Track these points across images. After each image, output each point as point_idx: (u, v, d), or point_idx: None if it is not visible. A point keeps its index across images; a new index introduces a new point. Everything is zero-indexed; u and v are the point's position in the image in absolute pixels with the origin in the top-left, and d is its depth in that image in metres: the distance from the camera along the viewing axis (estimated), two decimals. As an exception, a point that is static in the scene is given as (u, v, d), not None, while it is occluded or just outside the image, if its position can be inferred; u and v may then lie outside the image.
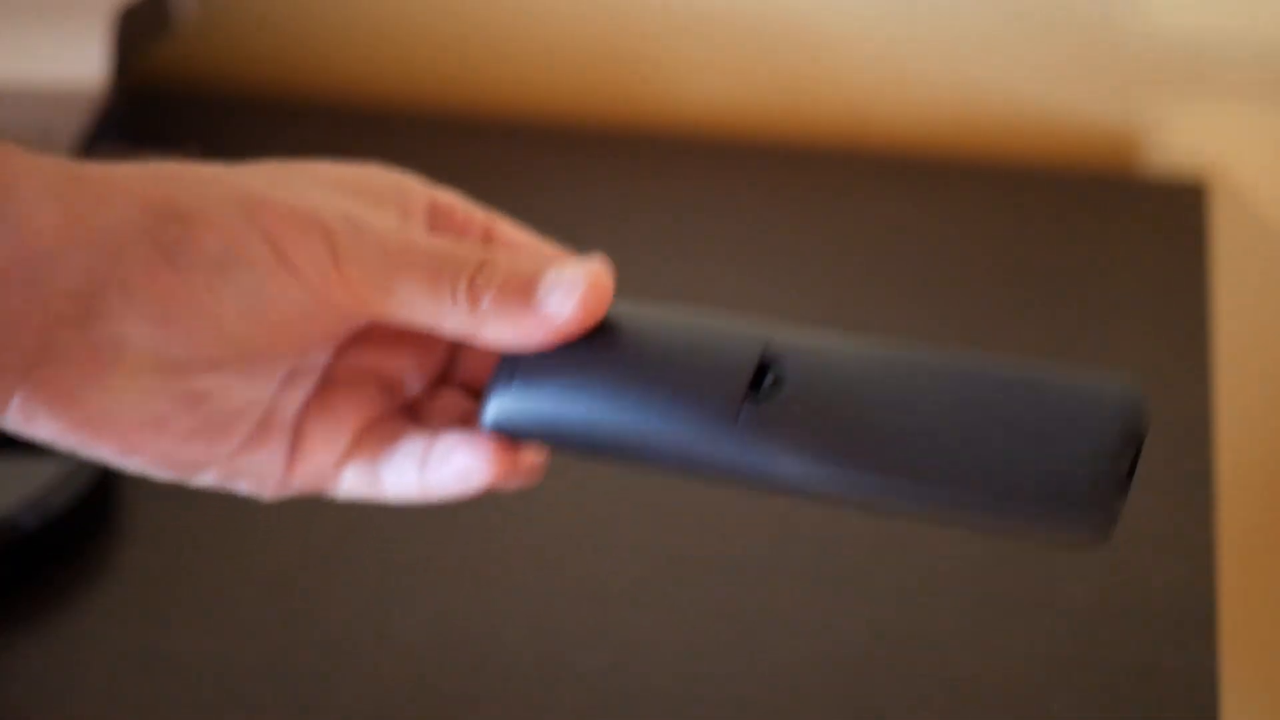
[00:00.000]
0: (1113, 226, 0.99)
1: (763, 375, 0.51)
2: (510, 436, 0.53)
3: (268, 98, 1.09)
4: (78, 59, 0.93)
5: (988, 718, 0.69)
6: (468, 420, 0.56)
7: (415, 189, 0.56)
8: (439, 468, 0.54)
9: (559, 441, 0.53)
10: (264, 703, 0.69)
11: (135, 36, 0.96)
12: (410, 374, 0.57)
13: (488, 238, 0.57)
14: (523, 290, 0.52)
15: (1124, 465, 0.47)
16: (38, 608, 0.73)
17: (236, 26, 1.11)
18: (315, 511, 0.77)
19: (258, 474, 0.54)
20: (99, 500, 0.77)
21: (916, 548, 0.76)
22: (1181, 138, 1.04)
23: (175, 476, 0.53)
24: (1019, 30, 1.03)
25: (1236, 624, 0.89)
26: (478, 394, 0.57)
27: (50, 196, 0.49)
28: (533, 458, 0.55)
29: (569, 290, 0.52)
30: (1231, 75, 1.02)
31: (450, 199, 0.56)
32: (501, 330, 0.52)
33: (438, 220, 0.56)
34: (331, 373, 0.55)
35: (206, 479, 0.54)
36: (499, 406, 0.53)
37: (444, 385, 0.58)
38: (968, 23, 1.03)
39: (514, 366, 0.53)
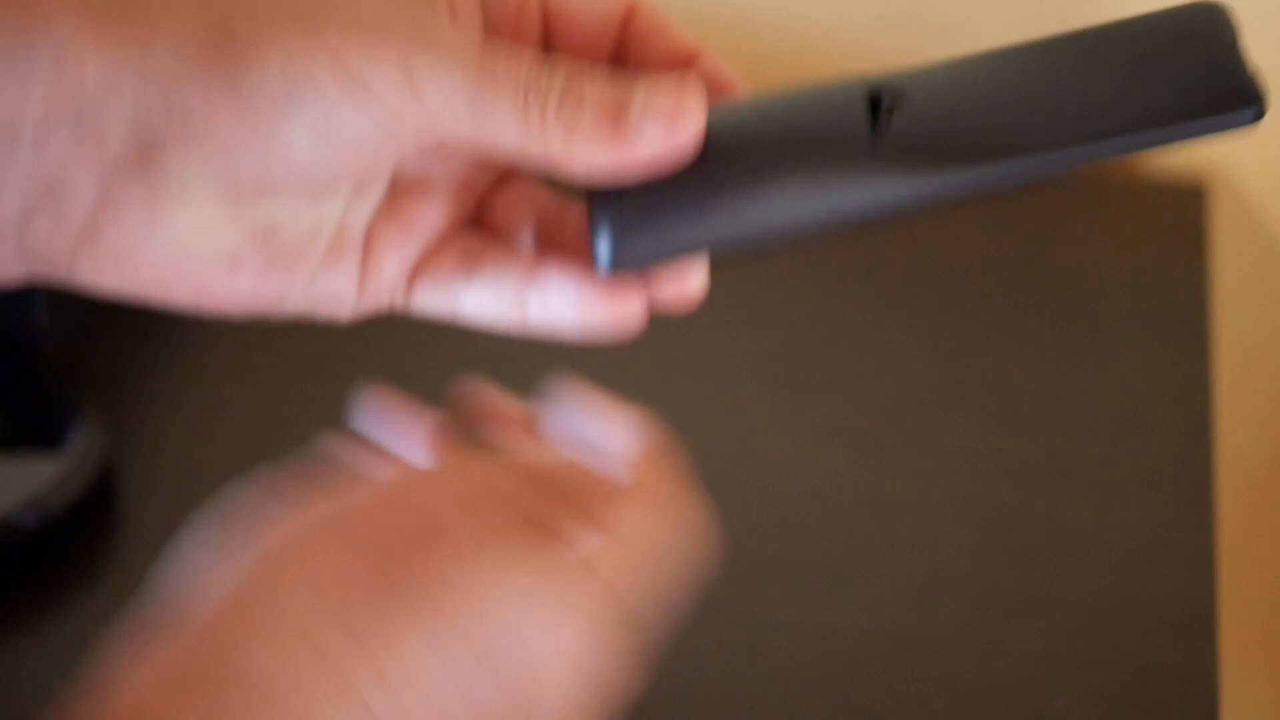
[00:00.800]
0: (1113, 226, 0.99)
1: (877, 109, 0.48)
2: (630, 271, 0.50)
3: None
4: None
5: (988, 717, 0.69)
6: (546, 216, 0.53)
7: None
8: (545, 308, 0.51)
9: (691, 257, 0.49)
10: (264, 703, 0.69)
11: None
12: (475, 171, 0.53)
13: (546, 20, 0.52)
14: (616, 115, 0.48)
15: (1240, 48, 0.50)
16: (38, 608, 0.73)
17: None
18: (315, 511, 0.76)
19: (334, 297, 0.51)
20: (99, 500, 0.77)
21: (916, 548, 0.76)
22: (1181, 138, 1.04)
23: (253, 313, 0.50)
24: (1019, 30, 1.03)
25: (1236, 624, 0.89)
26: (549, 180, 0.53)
27: (91, 33, 0.46)
28: (641, 301, 0.51)
29: (666, 120, 0.48)
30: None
31: None
32: (595, 159, 0.48)
33: (489, 20, 0.51)
34: (395, 179, 0.51)
35: (285, 310, 0.51)
36: (613, 244, 0.49)
37: (511, 177, 0.53)
38: (967, 23, 1.03)
39: (615, 195, 0.49)
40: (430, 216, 0.52)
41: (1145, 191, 1.02)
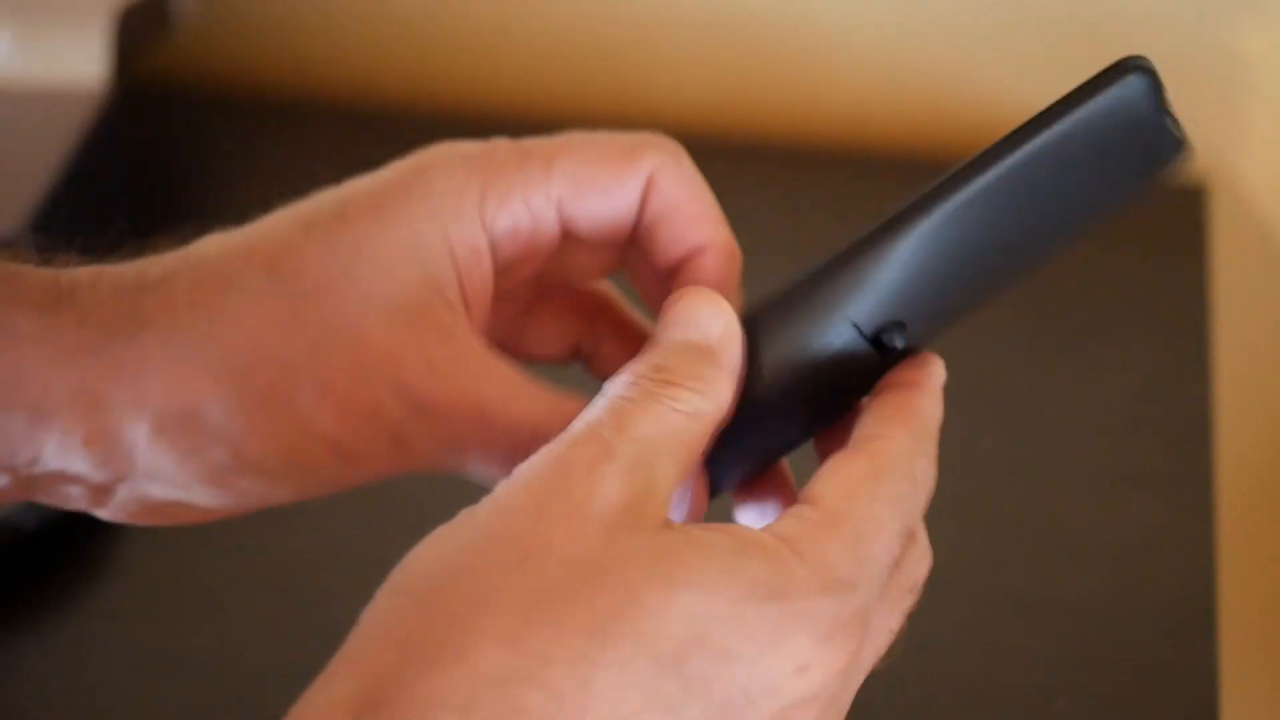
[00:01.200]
0: (1113, 227, 0.99)
1: (881, 345, 0.51)
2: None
3: (268, 98, 1.09)
4: (78, 59, 0.93)
5: (988, 717, 0.69)
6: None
7: (468, 258, 0.53)
8: None
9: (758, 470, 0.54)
10: (265, 702, 0.69)
11: (135, 36, 0.96)
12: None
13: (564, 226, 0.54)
14: None
15: (1162, 101, 0.52)
16: (38, 608, 0.73)
17: (237, 27, 1.11)
18: (317, 511, 0.76)
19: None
20: (99, 500, 0.77)
21: (916, 548, 0.76)
22: (1181, 138, 1.04)
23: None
24: (1019, 30, 1.03)
25: (1236, 624, 0.89)
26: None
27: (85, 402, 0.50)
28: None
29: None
30: (1232, 75, 1.02)
31: (511, 225, 0.53)
32: None
33: (508, 259, 0.54)
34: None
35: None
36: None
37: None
38: (967, 22, 1.03)
39: None
40: None
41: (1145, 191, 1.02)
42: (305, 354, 0.50)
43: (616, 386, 0.48)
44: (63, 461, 0.50)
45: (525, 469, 0.46)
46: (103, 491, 0.51)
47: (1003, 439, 0.84)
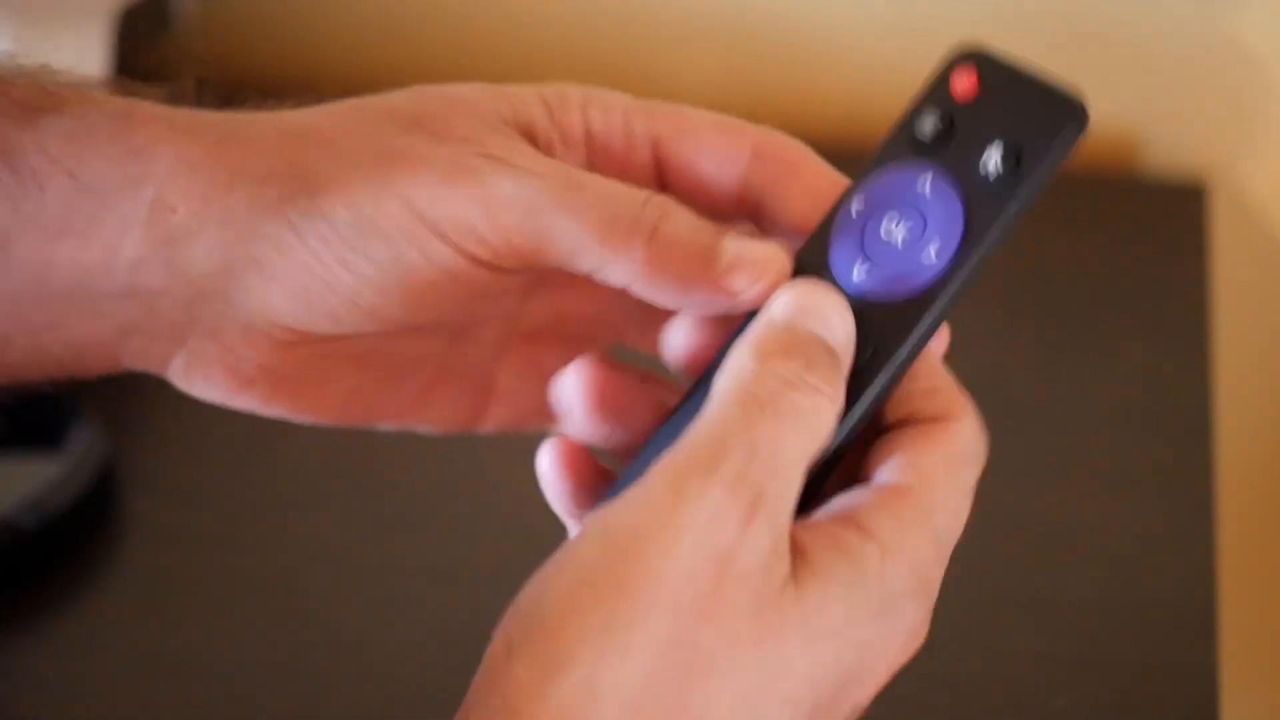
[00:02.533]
0: (1113, 226, 0.99)
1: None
2: None
3: (268, 98, 1.09)
4: (78, 59, 0.93)
5: (988, 717, 0.69)
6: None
7: (560, 108, 0.50)
8: None
9: None
10: (265, 703, 0.69)
11: (135, 36, 0.96)
12: (610, 312, 0.53)
13: (660, 166, 0.51)
14: (704, 256, 0.47)
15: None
16: (38, 608, 0.73)
17: (237, 27, 1.11)
18: (317, 511, 0.77)
19: (441, 419, 0.52)
20: (99, 500, 0.77)
21: (916, 548, 0.76)
22: (1181, 138, 1.04)
23: (354, 425, 0.52)
24: (1018, 30, 1.03)
25: (1236, 624, 0.89)
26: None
27: (185, 169, 0.48)
28: None
29: (756, 272, 0.47)
30: (1231, 75, 1.02)
31: (605, 123, 0.51)
32: (671, 293, 0.47)
33: (594, 154, 0.51)
34: (522, 320, 0.52)
35: (385, 426, 0.52)
36: None
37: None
38: (966, 22, 1.03)
39: None
40: (563, 359, 0.51)
41: (1145, 191, 1.02)
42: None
43: (747, 374, 0.45)
44: (170, 253, 0.48)
45: (639, 498, 0.44)
46: (193, 305, 0.49)
47: (1003, 439, 0.84)
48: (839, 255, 0.49)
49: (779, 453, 0.44)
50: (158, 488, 0.78)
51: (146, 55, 1.01)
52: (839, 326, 0.47)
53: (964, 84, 0.50)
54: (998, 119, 0.49)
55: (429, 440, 0.83)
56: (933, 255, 0.49)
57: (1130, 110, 1.04)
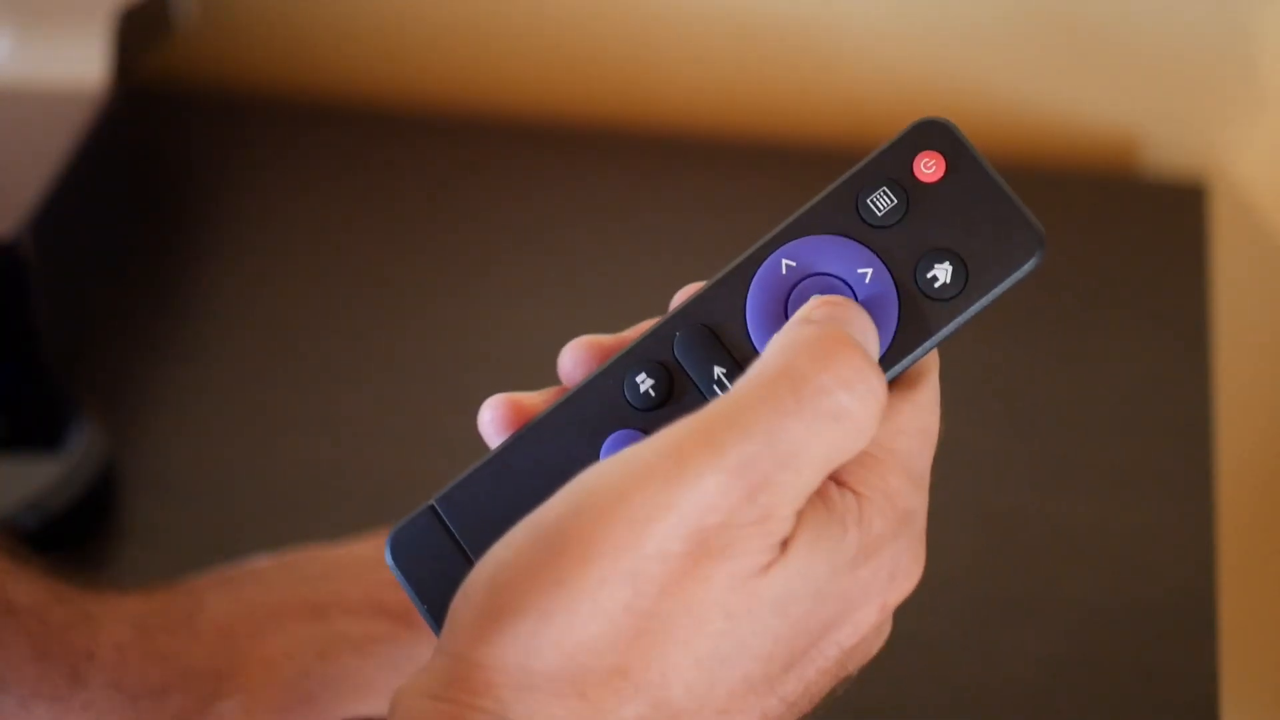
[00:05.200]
0: (1113, 226, 0.99)
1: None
2: None
3: (268, 99, 1.09)
4: (78, 59, 0.93)
5: (988, 717, 0.69)
6: None
7: None
8: None
9: None
10: (264, 703, 0.69)
11: (136, 37, 0.96)
12: None
13: None
14: None
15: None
16: (38, 608, 0.73)
17: (237, 28, 1.11)
18: (316, 512, 0.77)
19: None
20: (99, 500, 0.77)
21: (916, 548, 0.77)
22: (1181, 138, 1.04)
23: None
24: (1018, 30, 1.03)
25: (1236, 624, 0.89)
26: None
27: None
28: None
29: None
30: (1231, 75, 1.02)
31: None
32: None
33: None
34: None
35: None
36: None
37: None
38: (967, 22, 1.03)
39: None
40: None
41: (1145, 191, 1.02)
42: None
43: (798, 371, 0.44)
44: None
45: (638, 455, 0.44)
46: None
47: (1003, 439, 0.84)
48: (757, 314, 0.47)
49: (802, 450, 0.44)
50: (158, 488, 0.78)
51: (146, 55, 1.01)
52: (873, 350, 0.47)
53: (929, 169, 0.48)
54: (954, 223, 0.47)
55: (429, 442, 0.83)
56: None
57: (1130, 110, 1.04)
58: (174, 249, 0.94)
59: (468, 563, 0.46)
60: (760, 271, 0.47)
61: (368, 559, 0.65)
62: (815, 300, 0.46)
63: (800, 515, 0.44)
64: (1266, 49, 1.02)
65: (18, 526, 0.74)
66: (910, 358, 0.47)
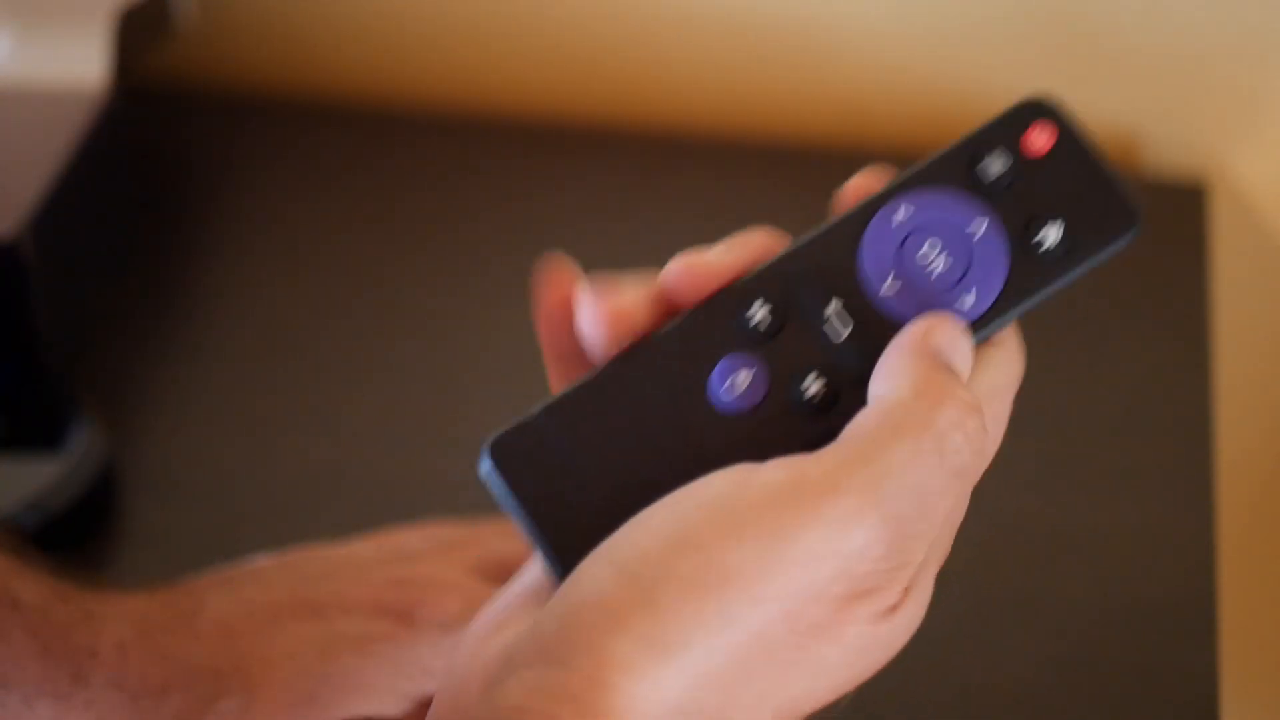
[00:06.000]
0: (1113, 226, 0.99)
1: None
2: None
3: (269, 99, 1.09)
4: (78, 59, 0.93)
5: (988, 717, 0.69)
6: None
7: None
8: None
9: None
10: (264, 703, 0.69)
11: (135, 37, 0.96)
12: None
13: None
14: None
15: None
16: (38, 608, 0.73)
17: (237, 28, 1.11)
18: (316, 512, 0.77)
19: None
20: (99, 500, 0.77)
21: (916, 548, 0.76)
22: (1181, 138, 1.04)
23: None
24: (1018, 30, 1.03)
25: (1236, 624, 0.89)
26: None
27: None
28: None
29: None
30: (1232, 75, 1.02)
31: None
32: None
33: None
34: None
35: None
36: None
37: None
38: (967, 22, 1.03)
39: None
40: None
41: (1145, 191, 1.02)
42: None
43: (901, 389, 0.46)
44: None
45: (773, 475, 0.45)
46: None
47: (1003, 438, 0.84)
48: (871, 258, 0.50)
49: (940, 505, 0.46)
50: (157, 488, 0.78)
51: (146, 55, 1.01)
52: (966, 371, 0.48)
53: (1040, 141, 0.50)
54: (1062, 193, 0.49)
55: (429, 442, 0.83)
56: (966, 304, 0.49)
57: (1130, 110, 1.04)
58: (174, 249, 0.94)
59: (579, 480, 0.47)
60: (875, 219, 0.50)
61: (368, 559, 0.65)
62: (930, 325, 0.47)
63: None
64: (1267, 49, 1.02)
65: (18, 526, 0.74)
66: (1014, 312, 0.49)
